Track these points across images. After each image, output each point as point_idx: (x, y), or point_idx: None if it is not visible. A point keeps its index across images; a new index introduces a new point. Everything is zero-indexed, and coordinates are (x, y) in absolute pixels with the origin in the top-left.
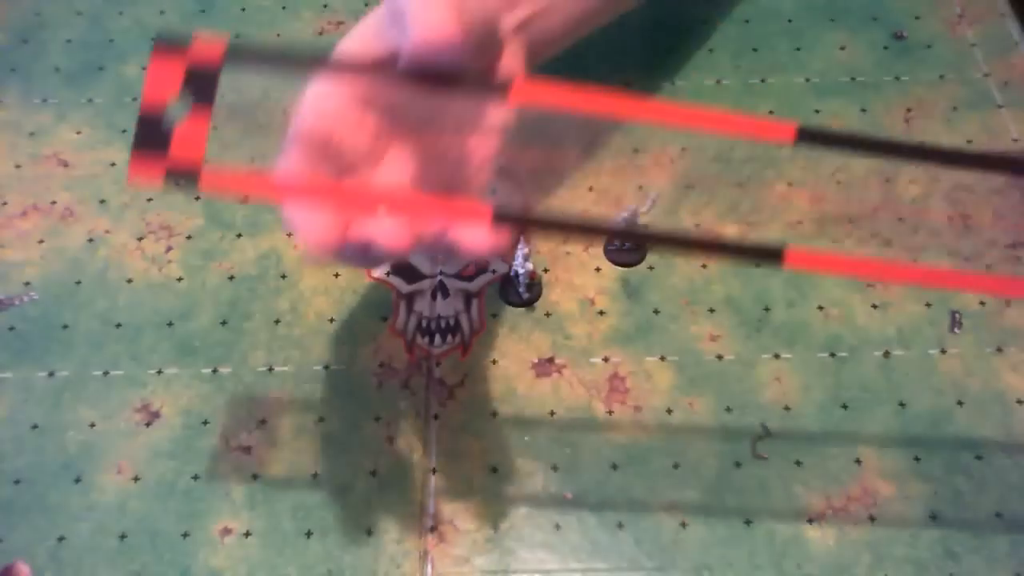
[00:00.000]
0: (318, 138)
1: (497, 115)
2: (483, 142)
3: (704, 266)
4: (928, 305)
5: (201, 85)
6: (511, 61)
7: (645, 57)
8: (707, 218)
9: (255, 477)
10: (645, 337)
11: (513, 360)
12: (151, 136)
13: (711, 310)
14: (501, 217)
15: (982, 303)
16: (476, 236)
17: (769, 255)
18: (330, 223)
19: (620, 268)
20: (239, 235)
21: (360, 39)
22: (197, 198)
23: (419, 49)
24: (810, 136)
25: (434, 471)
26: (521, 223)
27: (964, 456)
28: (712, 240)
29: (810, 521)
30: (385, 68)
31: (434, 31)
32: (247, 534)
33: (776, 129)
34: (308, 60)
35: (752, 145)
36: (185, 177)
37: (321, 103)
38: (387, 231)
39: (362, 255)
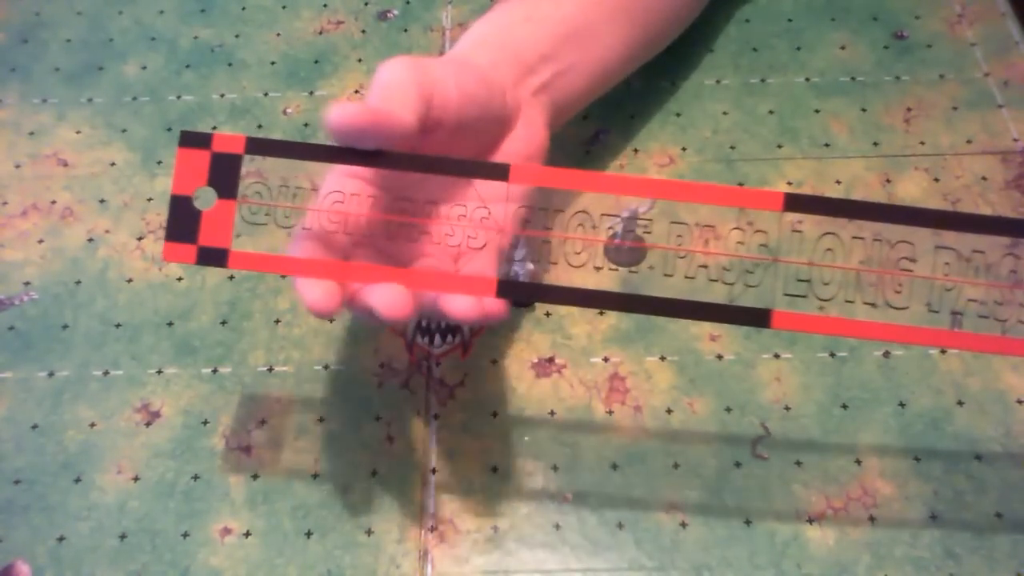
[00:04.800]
0: (330, 226)
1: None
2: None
3: (705, 266)
4: (928, 304)
5: (225, 173)
6: (532, 124)
7: None
8: (706, 218)
9: (255, 477)
10: (645, 337)
11: (513, 360)
12: (182, 220)
13: None
14: (507, 289)
15: (982, 303)
16: (465, 305)
17: (756, 318)
18: (330, 291)
19: (620, 268)
20: (238, 235)
21: None
22: None
23: (332, 132)
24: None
25: (434, 471)
26: (528, 295)
27: (964, 456)
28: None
29: (810, 521)
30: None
31: (344, 115)
32: (247, 534)
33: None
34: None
35: (752, 145)
36: (215, 258)
37: (335, 188)
38: (387, 300)
39: (366, 319)
